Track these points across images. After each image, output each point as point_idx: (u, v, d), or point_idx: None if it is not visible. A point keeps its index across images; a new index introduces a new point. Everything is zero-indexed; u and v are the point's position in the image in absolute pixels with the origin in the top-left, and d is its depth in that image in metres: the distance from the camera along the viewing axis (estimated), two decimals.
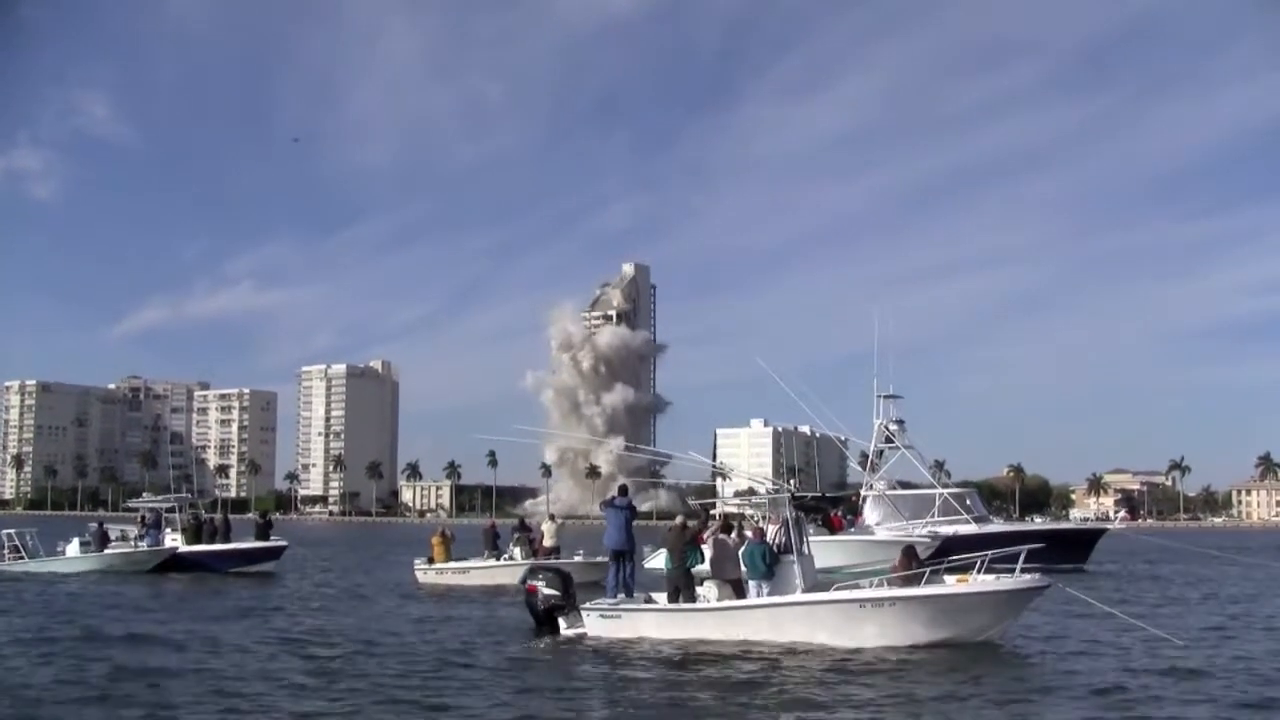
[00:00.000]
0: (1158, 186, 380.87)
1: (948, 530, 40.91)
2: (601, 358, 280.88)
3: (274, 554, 39.80)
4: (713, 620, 19.54)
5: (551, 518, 38.73)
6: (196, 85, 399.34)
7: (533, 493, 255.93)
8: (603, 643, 19.35)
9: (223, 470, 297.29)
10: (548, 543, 35.06)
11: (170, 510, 41.31)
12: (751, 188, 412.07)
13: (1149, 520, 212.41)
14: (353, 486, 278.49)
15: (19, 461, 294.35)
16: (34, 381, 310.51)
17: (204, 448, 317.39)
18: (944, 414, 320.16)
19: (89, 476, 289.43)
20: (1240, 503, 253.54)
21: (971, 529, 42.42)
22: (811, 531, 24.98)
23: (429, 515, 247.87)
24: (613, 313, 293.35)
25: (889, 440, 49.42)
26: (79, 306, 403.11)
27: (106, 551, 39.42)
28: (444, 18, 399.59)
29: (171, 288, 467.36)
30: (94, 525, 41.87)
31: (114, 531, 41.49)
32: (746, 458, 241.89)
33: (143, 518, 41.60)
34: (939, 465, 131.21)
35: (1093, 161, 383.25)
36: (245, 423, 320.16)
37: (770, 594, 19.41)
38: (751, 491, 23.37)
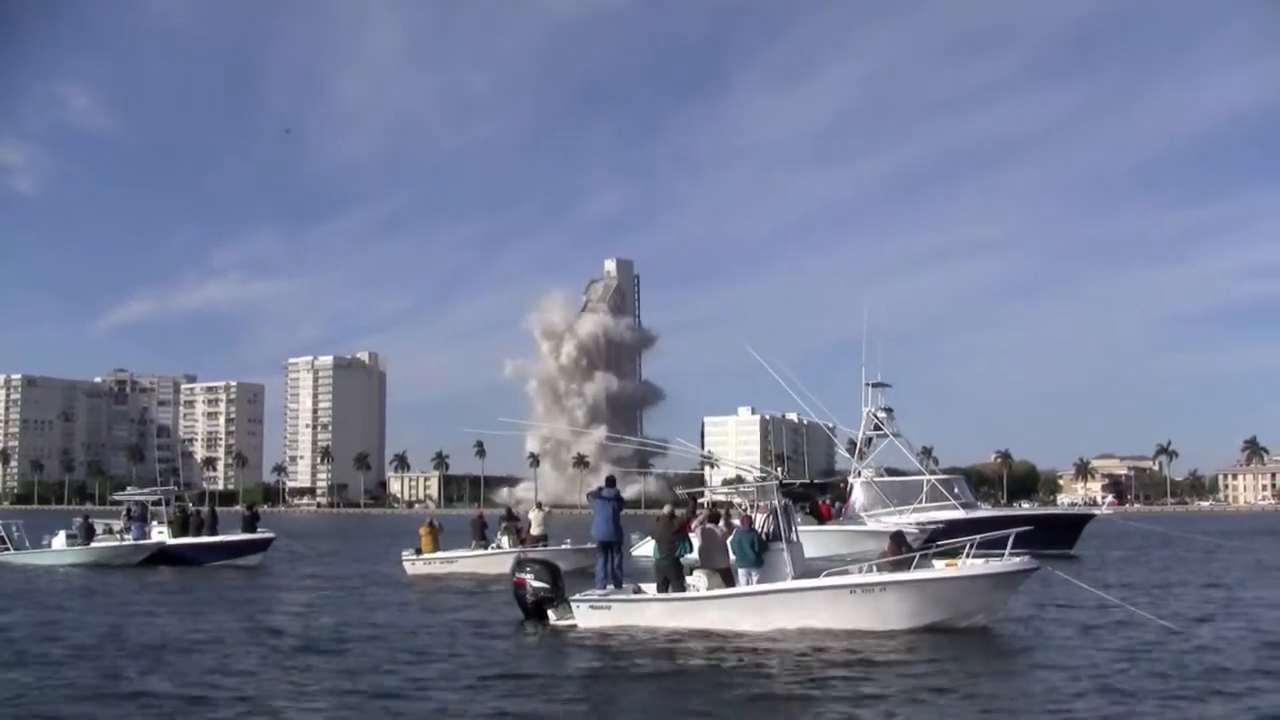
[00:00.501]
0: (1144, 173, 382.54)
1: (937, 516, 40.98)
2: (583, 347, 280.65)
3: (261, 546, 39.58)
4: (703, 609, 19.48)
5: (539, 506, 38.75)
6: (181, 77, 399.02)
7: (512, 482, 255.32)
8: (593, 634, 19.27)
9: (210, 463, 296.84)
10: (535, 531, 35.07)
11: (156, 503, 41.09)
12: (738, 176, 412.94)
13: (1136, 505, 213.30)
14: (341, 478, 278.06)
15: (5, 456, 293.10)
16: (19, 376, 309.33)
17: (191, 441, 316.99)
18: (932, 400, 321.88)
19: (76, 471, 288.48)
20: (1226, 487, 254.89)
21: (959, 515, 42.48)
22: (799, 520, 24.93)
23: (417, 506, 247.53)
24: (601, 307, 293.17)
25: (877, 428, 49.49)
26: (64, 300, 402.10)
27: (93, 545, 39.22)
28: (428, 7, 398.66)
29: (157, 280, 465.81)
30: (80, 518, 41.74)
31: (100, 525, 41.30)
32: (734, 446, 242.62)
33: (128, 510, 41.38)
34: (927, 452, 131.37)
35: (1080, 148, 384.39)
36: (232, 415, 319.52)
37: (760, 582, 19.36)
38: (739, 479, 23.29)
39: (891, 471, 51.55)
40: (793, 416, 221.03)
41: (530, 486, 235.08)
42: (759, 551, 19.41)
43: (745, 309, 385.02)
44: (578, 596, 20.50)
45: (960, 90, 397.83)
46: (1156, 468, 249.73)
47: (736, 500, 28.79)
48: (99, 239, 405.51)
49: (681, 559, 20.61)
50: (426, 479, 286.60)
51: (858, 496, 45.97)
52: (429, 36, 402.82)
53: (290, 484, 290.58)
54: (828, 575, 19.58)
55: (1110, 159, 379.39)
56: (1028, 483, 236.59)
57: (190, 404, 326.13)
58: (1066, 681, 14.61)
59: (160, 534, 39.35)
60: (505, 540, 35.11)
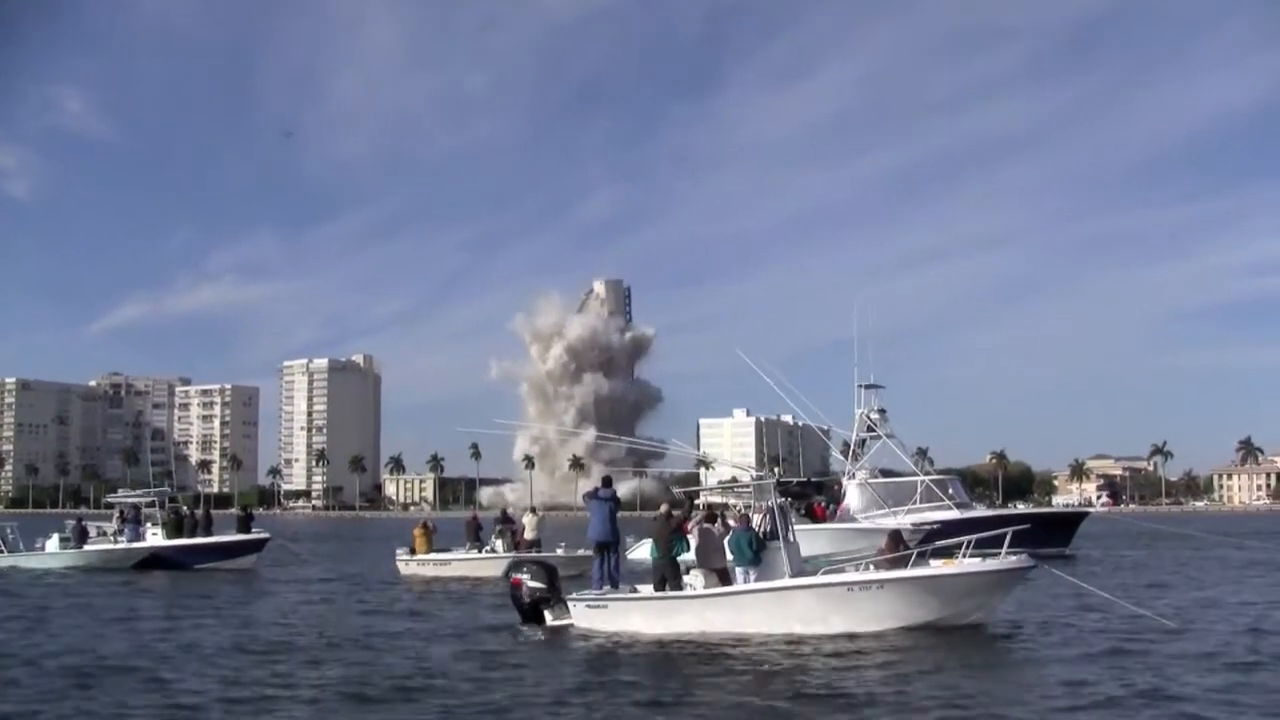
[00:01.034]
0: (1141, 170, 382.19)
1: (932, 517, 40.94)
2: (571, 350, 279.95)
3: (255, 547, 39.26)
4: (700, 608, 19.42)
5: (533, 510, 38.54)
6: (175, 79, 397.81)
7: (497, 483, 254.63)
8: (590, 634, 19.22)
9: (205, 466, 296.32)
10: (529, 535, 34.97)
11: (150, 505, 40.90)
12: (736, 175, 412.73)
13: (1131, 505, 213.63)
14: (336, 481, 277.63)
15: None
16: (13, 379, 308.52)
17: (186, 444, 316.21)
18: (928, 401, 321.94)
19: (70, 474, 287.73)
20: (1221, 487, 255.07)
21: (954, 515, 42.45)
22: (794, 521, 24.89)
23: (412, 509, 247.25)
24: (592, 311, 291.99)
25: (870, 429, 49.46)
26: (58, 303, 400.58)
27: (86, 548, 39.05)
28: (425, 7, 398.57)
29: (152, 283, 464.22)
30: (73, 521, 41.58)
31: (93, 528, 41.14)
32: (729, 448, 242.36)
33: (121, 513, 41.22)
34: (922, 453, 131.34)
35: (1077, 145, 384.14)
36: (227, 418, 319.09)
37: (757, 581, 19.31)
38: (734, 480, 23.26)
39: (886, 473, 51.50)
40: (788, 419, 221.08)
41: (515, 488, 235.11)
42: (757, 551, 19.37)
43: (743, 309, 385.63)
44: (574, 596, 20.47)
45: (958, 88, 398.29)
46: (1151, 468, 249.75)
47: (732, 501, 28.74)
48: (93, 242, 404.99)
49: (678, 558, 20.56)
50: (422, 482, 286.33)
51: (852, 498, 45.93)
52: (425, 36, 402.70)
53: (285, 487, 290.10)
54: (824, 574, 19.56)
55: (1107, 156, 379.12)
56: (1023, 484, 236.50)
57: (185, 407, 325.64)
58: (1062, 679, 14.56)
59: (154, 536, 39.17)
60: (500, 544, 35.04)
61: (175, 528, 39.27)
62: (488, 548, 35.44)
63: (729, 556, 19.70)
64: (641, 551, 32.30)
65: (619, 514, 21.90)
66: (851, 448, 49.31)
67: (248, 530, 39.92)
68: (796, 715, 12.88)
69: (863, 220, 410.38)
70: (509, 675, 15.38)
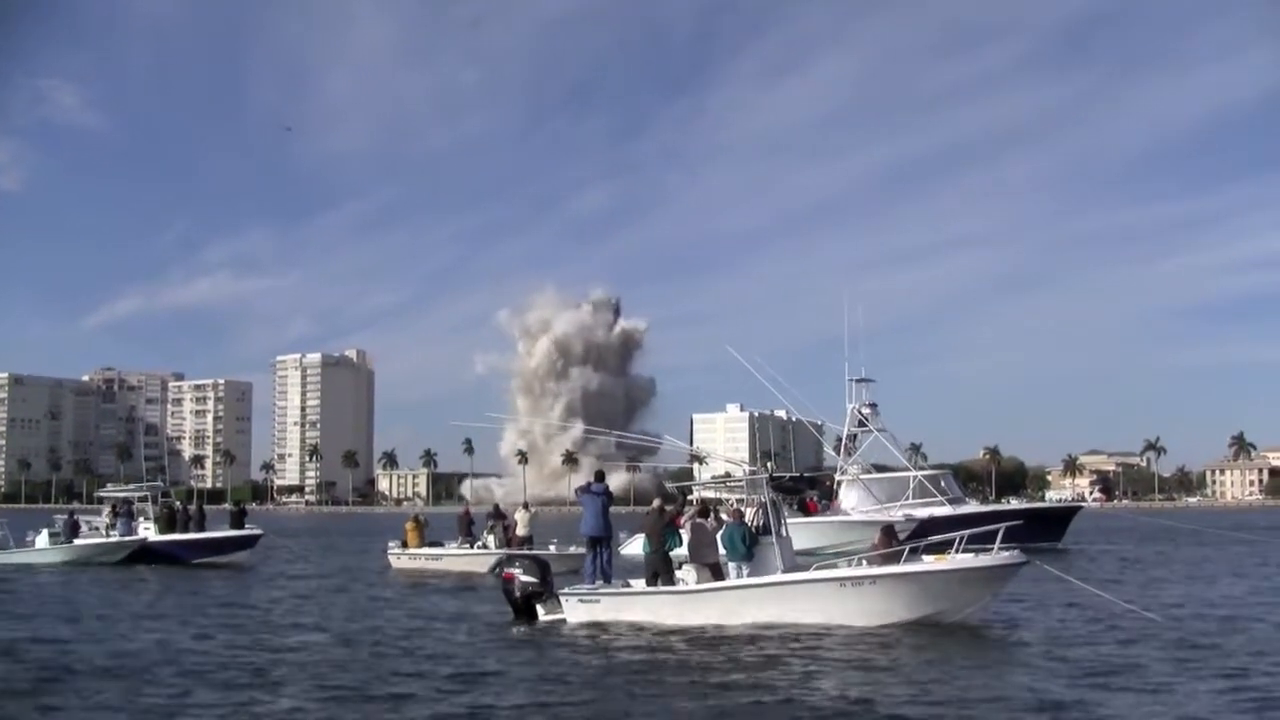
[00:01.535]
0: (1134, 167, 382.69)
1: (923, 513, 40.95)
2: (560, 345, 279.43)
3: (247, 543, 39.24)
4: (693, 602, 19.39)
5: (525, 506, 38.47)
6: (168, 73, 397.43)
7: (489, 478, 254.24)
8: (582, 628, 19.19)
9: (198, 461, 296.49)
10: (521, 531, 34.87)
11: (142, 499, 40.79)
12: (728, 171, 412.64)
13: (1124, 501, 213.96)
14: (329, 476, 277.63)
15: None
16: (6, 374, 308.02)
17: (179, 439, 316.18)
18: (920, 396, 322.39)
19: (63, 469, 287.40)
20: (1214, 483, 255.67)
21: (947, 510, 42.47)
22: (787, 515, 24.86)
23: (405, 504, 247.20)
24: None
25: (862, 424, 49.47)
26: (51, 298, 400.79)
27: (76, 542, 38.92)
28: (417, 2, 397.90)
29: (145, 278, 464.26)
30: (64, 516, 41.43)
31: (85, 523, 41.02)
32: (723, 443, 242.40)
33: (113, 507, 41.09)
34: (915, 448, 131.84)
35: (1070, 142, 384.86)
36: (220, 413, 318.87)
37: (750, 575, 19.29)
38: (728, 475, 23.20)
39: (880, 468, 51.54)
40: (781, 414, 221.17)
41: (503, 483, 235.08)
42: (749, 545, 19.34)
43: (736, 304, 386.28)
44: (566, 590, 20.43)
45: (951, 84, 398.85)
46: (1144, 464, 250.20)
47: (725, 496, 28.68)
48: (86, 236, 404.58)
49: (671, 552, 20.52)
50: (415, 477, 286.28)
51: (844, 493, 45.95)
52: (418, 31, 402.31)
53: (278, 482, 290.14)
54: (817, 569, 19.53)
55: (1101, 153, 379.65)
56: (1016, 479, 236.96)
57: (178, 402, 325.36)
58: (1057, 675, 14.55)
59: (146, 531, 39.06)
60: (492, 540, 34.96)
61: (168, 522, 39.18)
62: (479, 543, 35.37)
63: (722, 551, 19.68)
64: (634, 546, 32.29)
65: (611, 509, 21.88)
66: (844, 442, 49.32)
67: (241, 526, 39.86)
68: (782, 710, 12.83)
69: (855, 216, 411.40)
70: (496, 670, 15.33)
